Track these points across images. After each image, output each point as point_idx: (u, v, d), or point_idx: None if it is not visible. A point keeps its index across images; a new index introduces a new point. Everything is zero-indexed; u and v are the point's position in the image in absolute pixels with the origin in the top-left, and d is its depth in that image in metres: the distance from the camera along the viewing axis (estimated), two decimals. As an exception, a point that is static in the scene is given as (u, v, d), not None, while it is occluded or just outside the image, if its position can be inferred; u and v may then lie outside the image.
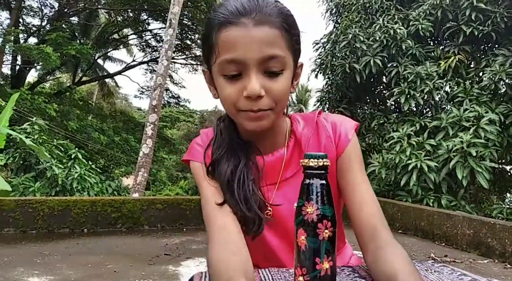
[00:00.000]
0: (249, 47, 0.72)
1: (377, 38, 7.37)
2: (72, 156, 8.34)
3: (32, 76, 20.27)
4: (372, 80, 8.23)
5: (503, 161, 6.74)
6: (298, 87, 19.31)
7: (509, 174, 7.68)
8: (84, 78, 18.47)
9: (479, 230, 4.00)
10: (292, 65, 0.79)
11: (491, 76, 6.27)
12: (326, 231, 0.57)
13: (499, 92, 6.61)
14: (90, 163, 8.99)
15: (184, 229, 4.96)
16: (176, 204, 5.07)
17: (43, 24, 15.89)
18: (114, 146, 15.56)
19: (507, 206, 6.00)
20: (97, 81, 19.54)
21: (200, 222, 5.08)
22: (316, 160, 0.59)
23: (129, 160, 15.85)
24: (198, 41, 16.93)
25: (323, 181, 0.59)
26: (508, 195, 7.94)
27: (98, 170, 9.63)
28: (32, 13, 15.56)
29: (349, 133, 0.87)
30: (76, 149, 9.10)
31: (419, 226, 4.92)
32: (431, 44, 7.79)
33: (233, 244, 0.74)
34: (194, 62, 18.27)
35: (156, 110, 8.20)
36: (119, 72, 18.95)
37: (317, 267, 0.56)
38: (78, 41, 15.49)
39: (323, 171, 0.59)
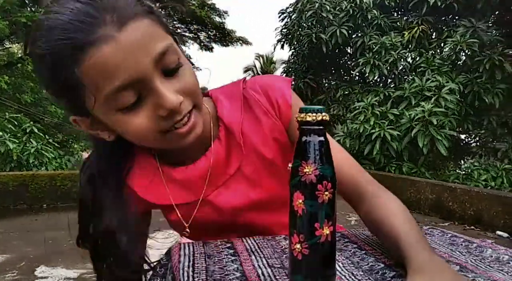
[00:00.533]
0: (131, 58, 0.55)
1: (343, 8, 7.31)
2: (28, 130, 7.89)
3: (-23, 45, 18.85)
4: (337, 50, 8.22)
5: (461, 129, 7.01)
6: (263, 58, 19.08)
7: (464, 142, 8.03)
8: (37, 48, 17.37)
9: (441, 194, 4.16)
10: (179, 50, 0.64)
11: (452, 47, 6.41)
12: (326, 193, 0.50)
13: (459, 62, 6.79)
14: (47, 137, 8.56)
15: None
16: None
17: (-13, -12, 14.65)
18: (72, 120, 14.91)
19: (463, 172, 6.28)
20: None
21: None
22: (313, 114, 0.51)
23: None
24: (159, 9, 16.23)
25: (322, 138, 0.52)
26: (463, 162, 8.31)
27: (56, 144, 9.20)
28: (-27, -25, 14.28)
29: (286, 95, 0.74)
30: (32, 123, 8.61)
31: (384, 193, 5.06)
32: (396, 14, 7.83)
33: None
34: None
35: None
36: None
37: (316, 233, 0.50)
38: (28, 9, 14.44)
39: (321, 127, 0.52)
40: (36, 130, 7.96)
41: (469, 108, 6.60)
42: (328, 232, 0.50)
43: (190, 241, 0.77)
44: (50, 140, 8.37)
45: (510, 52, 6.36)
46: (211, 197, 0.76)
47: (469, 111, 6.60)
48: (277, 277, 0.55)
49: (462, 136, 7.97)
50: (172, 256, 0.66)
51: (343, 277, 0.55)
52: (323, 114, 0.51)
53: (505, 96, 6.38)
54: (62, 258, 2.84)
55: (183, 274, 0.57)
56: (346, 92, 7.54)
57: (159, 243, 0.94)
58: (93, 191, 0.74)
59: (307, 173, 0.50)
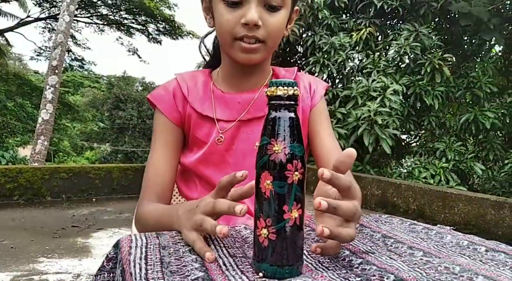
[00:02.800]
0: None
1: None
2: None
3: None
4: (288, 49, 8.29)
5: (403, 129, 7.34)
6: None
7: (405, 142, 8.43)
8: (-33, 34, 15.99)
9: (386, 190, 4.32)
10: (290, 6, 0.81)
11: (396, 49, 6.70)
12: (296, 173, 0.46)
13: (403, 64, 7.11)
14: (-22, 130, 7.90)
15: (94, 199, 4.61)
16: (84, 172, 4.67)
17: None
18: (7, 113, 13.91)
19: (405, 170, 6.60)
20: (-17, 38, 17.05)
21: (111, 192, 4.76)
22: (285, 87, 0.47)
23: (25, 129, 14.35)
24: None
25: (292, 114, 0.48)
26: (404, 160, 8.74)
27: (-12, 138, 8.52)
28: None
29: (322, 90, 0.93)
30: (-41, 114, 7.90)
31: (331, 189, 5.18)
32: (345, 15, 8.04)
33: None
34: (100, 22, 16.78)
35: (57, 71, 7.39)
36: (11, 29, 16.70)
37: (284, 216, 0.46)
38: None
39: (292, 102, 0.48)
40: (-35, 122, 7.32)
41: (411, 109, 6.93)
42: (297, 215, 0.47)
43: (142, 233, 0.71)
44: (-18, 133, 7.73)
45: (449, 57, 6.76)
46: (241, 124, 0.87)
47: (411, 112, 6.94)
48: (240, 266, 0.51)
49: (403, 136, 8.37)
50: (122, 248, 0.60)
51: (309, 264, 0.52)
52: (295, 88, 0.48)
53: (443, 98, 6.78)
54: (-7, 259, 2.61)
55: (134, 266, 0.51)
56: (296, 90, 7.64)
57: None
58: None
59: (276, 151, 0.46)
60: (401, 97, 6.46)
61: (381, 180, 4.46)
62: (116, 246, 0.63)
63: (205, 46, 0.99)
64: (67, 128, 20.86)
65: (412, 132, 8.00)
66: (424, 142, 7.34)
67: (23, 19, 16.76)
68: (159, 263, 0.52)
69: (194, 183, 0.90)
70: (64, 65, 10.26)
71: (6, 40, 19.25)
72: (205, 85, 0.89)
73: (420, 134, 7.99)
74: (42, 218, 3.75)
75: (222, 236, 0.53)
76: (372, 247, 0.59)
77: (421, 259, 0.54)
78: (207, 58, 1.00)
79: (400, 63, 7.04)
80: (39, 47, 17.91)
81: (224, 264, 0.52)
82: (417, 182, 5.23)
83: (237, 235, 0.64)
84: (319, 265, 0.52)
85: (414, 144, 8.24)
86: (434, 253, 0.57)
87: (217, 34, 0.84)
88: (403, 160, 8.72)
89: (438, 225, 0.72)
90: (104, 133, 20.93)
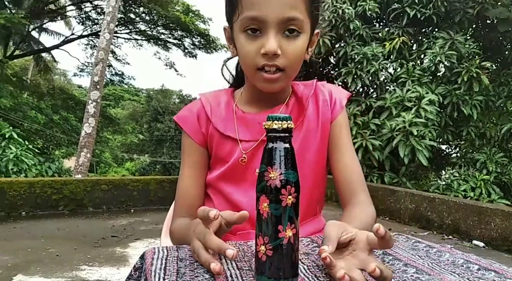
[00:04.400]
0: (271, 7, 0.76)
1: (326, 18, 7.42)
2: (6, 136, 7.75)
3: (-44, 48, 18.43)
4: (321, 60, 8.32)
5: (441, 140, 7.16)
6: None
7: (444, 152, 8.20)
8: (17, 52, 17.08)
9: (420, 204, 4.24)
10: (309, 31, 0.83)
11: (431, 58, 6.58)
12: (290, 197, 0.53)
13: (439, 73, 6.96)
14: (27, 143, 8.42)
15: (132, 210, 4.81)
16: (122, 184, 4.89)
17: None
18: (53, 126, 14.68)
19: (443, 183, 6.41)
20: (32, 56, 18.16)
21: (148, 203, 4.95)
22: (280, 122, 0.54)
23: (70, 141, 15.07)
24: (143, 15, 16.20)
25: (287, 145, 0.55)
26: (444, 172, 8.49)
27: (36, 150, 9.06)
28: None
29: (343, 101, 0.94)
30: (11, 128, 8.46)
31: (364, 202, 5.12)
32: (377, 25, 7.99)
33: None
34: (138, 37, 17.50)
35: (98, 86, 7.79)
36: (57, 46, 17.72)
37: (279, 235, 0.53)
38: (8, 11, 14.23)
39: (287, 134, 0.55)
40: (15, 136, 7.83)
41: (448, 119, 6.76)
42: (291, 234, 0.53)
43: (166, 245, 0.79)
44: (30, 146, 8.23)
45: (487, 64, 6.55)
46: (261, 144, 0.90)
47: (448, 122, 6.76)
48: (244, 278, 0.58)
49: (443, 147, 8.14)
50: (146, 259, 0.68)
51: (305, 278, 0.58)
52: (289, 122, 0.55)
53: (482, 107, 6.56)
54: (40, 267, 2.80)
55: (154, 276, 0.59)
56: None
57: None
58: None
59: (272, 178, 0.53)
60: (437, 107, 6.32)
61: (415, 193, 4.38)
62: (142, 257, 0.72)
63: (227, 69, 1.05)
64: (108, 140, 21.72)
65: (451, 143, 7.78)
66: (463, 153, 7.11)
67: (67, 37, 17.75)
68: (175, 273, 0.60)
69: (213, 197, 0.96)
70: (105, 80, 10.78)
71: (52, 57, 20.41)
72: (227, 106, 0.94)
73: (459, 145, 7.75)
74: (84, 228, 3.96)
75: (215, 273, 0.57)
76: (369, 263, 0.64)
77: (411, 275, 0.59)
78: (227, 77, 1.06)
79: (435, 72, 6.90)
80: (82, 63, 18.85)
81: (231, 276, 0.59)
82: (452, 196, 5.09)
83: (247, 250, 0.71)
84: (315, 279, 0.58)
85: (454, 155, 8.01)
86: (426, 271, 0.61)
87: (240, 63, 0.89)
88: (443, 171, 8.49)
89: (440, 244, 0.76)
90: (143, 144, 21.61)
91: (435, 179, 7.15)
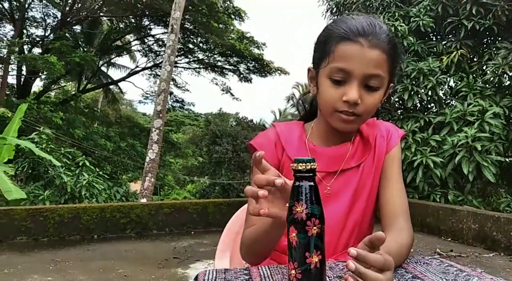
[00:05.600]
0: (360, 63, 0.86)
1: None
2: (80, 164, 8.41)
3: (37, 85, 20.49)
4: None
5: (510, 154, 6.71)
6: (302, 87, 19.31)
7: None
8: (89, 86, 18.62)
9: (484, 224, 4.02)
10: (386, 85, 0.93)
11: (494, 70, 6.27)
12: (315, 227, 0.61)
13: (503, 85, 6.60)
14: (98, 169, 9.07)
15: (192, 232, 5.02)
16: (183, 208, 5.13)
17: (47, 34, 16.08)
18: (121, 152, 15.67)
19: (514, 200, 5.98)
20: (101, 88, 19.70)
21: (207, 225, 5.14)
22: (304, 164, 0.63)
23: (136, 166, 15.95)
24: (201, 44, 17.02)
25: (311, 183, 0.63)
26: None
27: (106, 176, 9.70)
28: (35, 23, 15.74)
29: (397, 138, 1.04)
30: (83, 156, 9.17)
31: (425, 222, 4.94)
32: (433, 39, 7.79)
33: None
34: (197, 65, 18.36)
35: (161, 115, 8.28)
36: (123, 79, 19.09)
37: (307, 261, 0.61)
38: (81, 49, 15.64)
39: (311, 174, 0.64)
40: (87, 163, 8.46)
41: (516, 132, 6.36)
42: (317, 259, 0.61)
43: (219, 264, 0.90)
44: (100, 173, 8.86)
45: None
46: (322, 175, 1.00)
47: (516, 135, 6.35)
48: (280, 298, 0.66)
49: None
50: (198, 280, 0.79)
51: (336, 299, 0.65)
52: (312, 163, 0.64)
53: (554, 118, 6.10)
54: (111, 286, 3.03)
55: (204, 295, 0.70)
56: (386, 119, 7.49)
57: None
58: None
59: (298, 211, 0.62)
60: (503, 120, 5.98)
61: (478, 213, 4.15)
62: (196, 278, 0.82)
63: (303, 103, 1.18)
64: (171, 163, 22.66)
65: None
66: (536, 167, 6.61)
67: (132, 69, 19.07)
68: (222, 293, 0.70)
69: None
70: (167, 107, 11.41)
71: (119, 88, 21.97)
72: (299, 138, 1.03)
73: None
74: (149, 250, 4.21)
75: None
76: (397, 287, 0.70)
77: (434, 298, 0.64)
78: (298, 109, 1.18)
79: (499, 84, 6.55)
80: (146, 92, 20.06)
81: (269, 296, 0.67)
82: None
83: (286, 273, 0.79)
84: (344, 300, 0.65)
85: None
86: (450, 294, 0.66)
87: (319, 103, 0.98)
88: (515, 187, 7.90)
89: (471, 268, 0.79)
90: (203, 167, 22.24)
91: (506, 196, 6.68)
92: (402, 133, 1.06)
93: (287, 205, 0.65)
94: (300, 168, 0.63)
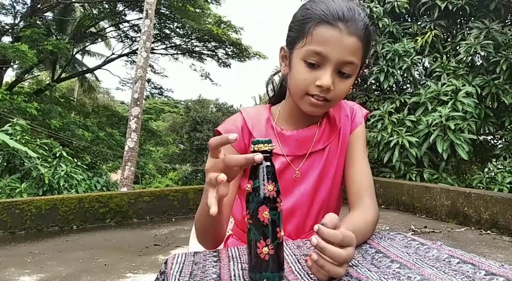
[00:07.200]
0: (337, 49, 0.86)
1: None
2: (57, 155, 8.25)
3: (9, 75, 19.87)
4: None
5: (482, 132, 6.91)
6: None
7: (489, 144, 7.88)
8: (64, 75, 18.14)
9: (456, 200, 4.15)
10: (357, 72, 0.93)
11: (466, 49, 6.39)
12: (282, 203, 0.64)
13: (475, 64, 6.74)
14: (76, 160, 8.92)
15: (173, 219, 5.02)
16: (163, 195, 5.11)
17: (16, 21, 15.52)
18: (99, 142, 15.42)
19: (487, 176, 6.18)
20: (77, 77, 19.23)
21: (188, 212, 5.15)
22: (268, 144, 0.65)
23: (115, 155, 15.76)
24: (177, 30, 16.73)
25: (269, 163, 0.65)
26: (489, 165, 8.15)
27: (85, 167, 9.56)
28: (4, 11, 15.15)
29: (361, 117, 1.06)
30: (61, 147, 8.99)
31: (400, 200, 5.07)
32: (408, 20, 7.86)
33: None
34: (174, 51, 18.08)
35: (138, 103, 8.16)
36: (99, 67, 18.67)
37: (277, 235, 0.63)
38: (54, 37, 15.16)
39: (268, 154, 0.65)
40: (65, 154, 8.30)
41: (488, 110, 6.53)
42: (283, 233, 0.64)
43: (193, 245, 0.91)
44: (79, 163, 8.71)
45: (527, 51, 6.28)
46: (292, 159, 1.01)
47: (488, 114, 6.53)
48: (245, 277, 0.67)
49: (488, 138, 7.83)
50: (167, 264, 0.79)
51: (298, 275, 0.67)
52: (271, 144, 0.65)
53: (524, 96, 6.28)
54: (91, 276, 3.02)
55: (172, 278, 0.70)
56: (363, 101, 7.57)
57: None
58: None
59: (269, 190, 0.63)
60: (475, 99, 6.13)
61: (450, 189, 4.29)
62: (166, 262, 0.83)
63: (272, 84, 1.16)
64: (151, 152, 22.46)
65: (495, 134, 7.47)
66: (507, 144, 6.82)
67: (108, 56, 18.64)
68: (189, 275, 0.71)
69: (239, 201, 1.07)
70: (145, 95, 11.24)
71: (95, 76, 21.47)
72: (267, 122, 1.03)
73: (504, 136, 7.43)
74: (129, 238, 4.20)
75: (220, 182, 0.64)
76: (359, 261, 0.72)
77: (394, 270, 0.66)
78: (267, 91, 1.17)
79: (472, 64, 6.69)
80: (123, 79, 19.69)
81: (234, 275, 0.68)
82: (498, 190, 4.91)
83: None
84: (307, 276, 0.66)
85: (499, 146, 7.69)
86: (409, 265, 0.68)
87: (289, 84, 0.96)
88: (488, 164, 8.16)
89: (432, 241, 0.82)
90: (185, 154, 22.18)
91: (479, 173, 6.90)
92: (366, 112, 1.08)
93: (248, 186, 0.66)
94: (265, 148, 0.65)
